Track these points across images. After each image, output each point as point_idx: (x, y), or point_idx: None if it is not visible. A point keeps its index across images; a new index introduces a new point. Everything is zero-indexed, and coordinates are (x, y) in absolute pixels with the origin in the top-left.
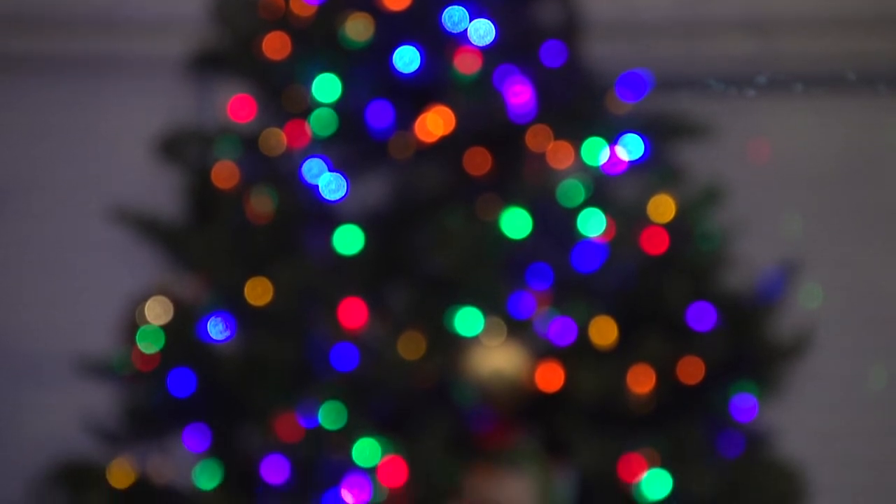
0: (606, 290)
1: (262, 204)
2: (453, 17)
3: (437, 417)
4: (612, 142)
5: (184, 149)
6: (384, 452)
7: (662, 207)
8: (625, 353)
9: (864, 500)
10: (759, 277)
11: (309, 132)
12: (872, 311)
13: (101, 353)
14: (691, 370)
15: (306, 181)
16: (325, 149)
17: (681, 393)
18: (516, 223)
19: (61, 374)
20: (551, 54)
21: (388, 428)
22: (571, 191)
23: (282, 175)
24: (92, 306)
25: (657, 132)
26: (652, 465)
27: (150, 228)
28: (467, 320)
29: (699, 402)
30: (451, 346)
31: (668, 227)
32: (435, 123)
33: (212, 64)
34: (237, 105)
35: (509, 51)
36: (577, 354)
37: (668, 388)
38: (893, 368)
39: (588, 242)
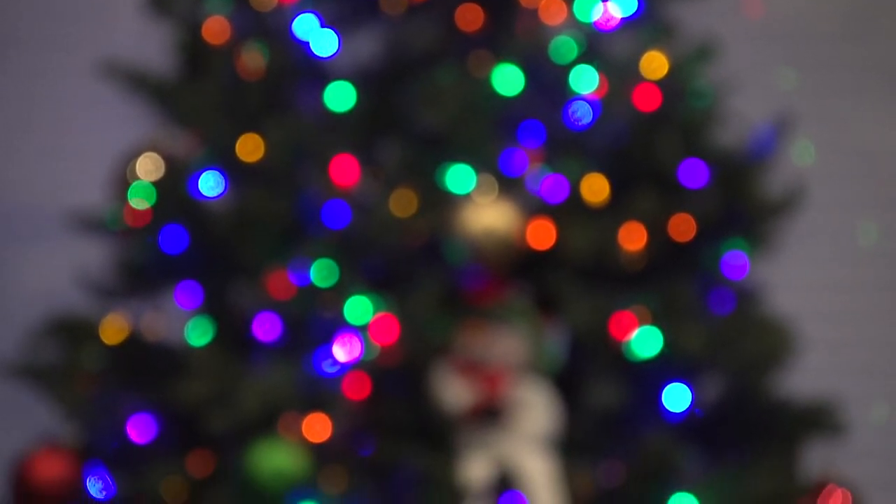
0: (598, 147)
1: (253, 60)
2: None
3: (428, 275)
4: None
5: (174, 3)
6: (376, 310)
7: (655, 64)
8: (616, 210)
9: (852, 353)
10: (751, 134)
11: None
12: (864, 168)
13: (93, 208)
14: (683, 227)
15: (298, 37)
16: (317, 4)
17: (672, 250)
18: (508, 80)
19: (54, 229)
20: None
21: (380, 285)
22: (564, 47)
23: (273, 30)
24: (84, 162)
25: None
26: (643, 322)
27: (140, 83)
28: (459, 177)
29: (690, 260)
30: (443, 203)
31: (660, 83)
32: None
33: None
34: None
35: None
36: (569, 212)
37: (660, 245)
38: (883, 223)
39: (580, 99)
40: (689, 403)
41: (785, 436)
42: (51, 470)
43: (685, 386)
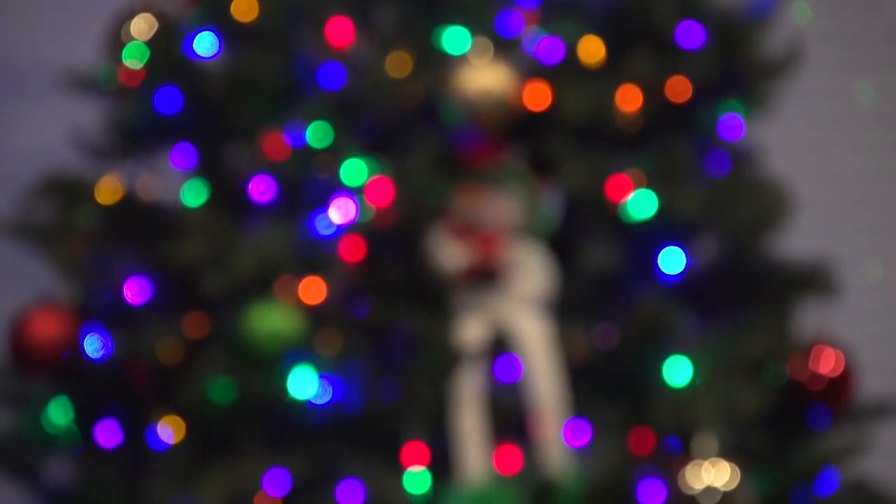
0: (594, 8)
1: None
2: None
3: (424, 137)
4: None
5: None
6: (371, 172)
7: None
8: (612, 72)
9: (848, 213)
10: None
11: None
12: (861, 27)
13: (87, 68)
14: (679, 89)
15: None
16: None
17: (668, 112)
18: None
19: (48, 88)
20: None
21: (375, 148)
22: None
23: None
24: (78, 21)
25: None
26: (638, 184)
27: None
28: (455, 38)
29: (687, 122)
30: (439, 64)
31: None
32: None
33: None
34: None
35: None
36: (565, 73)
37: (656, 107)
38: (881, 83)
39: None
40: (683, 266)
41: (779, 297)
42: (47, 328)
43: (680, 248)
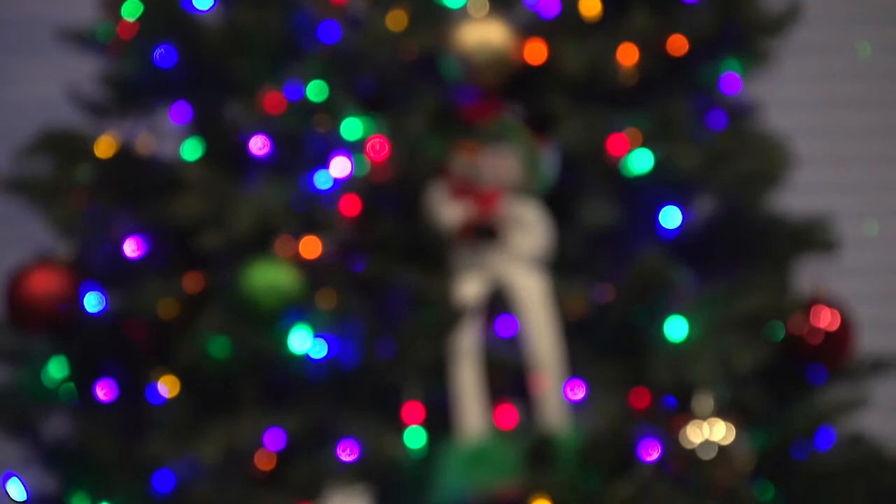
0: None
1: None
2: None
3: (422, 93)
4: None
5: None
6: (369, 128)
7: None
8: (610, 27)
9: (846, 169)
10: None
11: None
12: None
13: (85, 23)
14: (678, 44)
15: None
16: None
17: (667, 68)
18: None
19: (47, 43)
20: None
21: (374, 103)
22: None
23: None
24: None
25: None
26: (637, 140)
27: None
28: None
29: (685, 77)
30: (437, 18)
31: None
32: None
33: None
34: None
35: None
36: (563, 28)
37: (654, 62)
38: (880, 39)
39: None
40: (681, 222)
41: (777, 253)
42: (45, 284)
43: (678, 204)
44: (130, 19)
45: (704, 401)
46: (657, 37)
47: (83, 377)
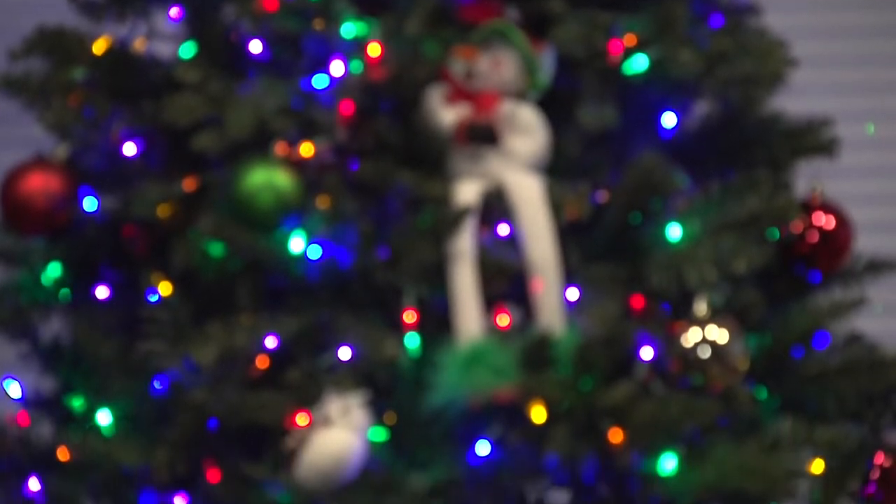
0: None
1: None
2: None
3: None
4: None
5: None
6: (366, 31)
7: None
8: None
9: (844, 71)
10: None
11: None
12: None
13: None
14: None
15: None
16: None
17: None
18: None
19: None
20: None
21: (371, 5)
22: None
23: None
24: None
25: None
26: (636, 41)
27: None
28: None
29: None
30: None
31: None
32: None
33: None
34: None
35: None
36: None
37: None
38: None
39: None
40: (679, 123)
41: (775, 155)
42: (41, 184)
43: (676, 106)
44: None
45: (702, 302)
46: None
47: (81, 279)
